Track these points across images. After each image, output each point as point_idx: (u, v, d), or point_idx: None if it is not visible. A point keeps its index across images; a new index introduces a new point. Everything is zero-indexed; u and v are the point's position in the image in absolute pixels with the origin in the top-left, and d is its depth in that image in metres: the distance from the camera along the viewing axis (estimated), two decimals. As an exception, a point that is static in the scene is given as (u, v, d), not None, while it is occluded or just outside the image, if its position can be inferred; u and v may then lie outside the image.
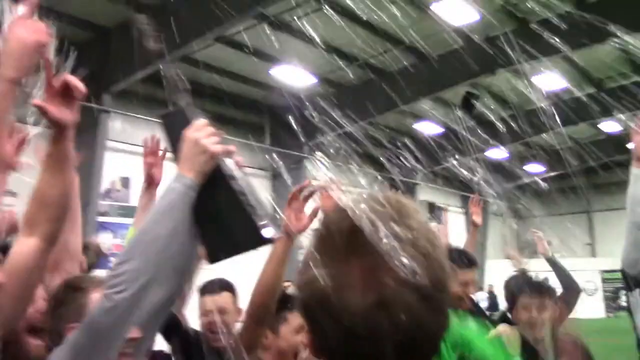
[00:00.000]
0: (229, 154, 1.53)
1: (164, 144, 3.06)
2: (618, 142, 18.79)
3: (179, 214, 1.42)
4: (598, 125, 18.38)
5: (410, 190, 19.43)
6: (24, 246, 1.67)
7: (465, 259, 3.44)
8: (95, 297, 1.71)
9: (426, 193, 20.49)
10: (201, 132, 1.50)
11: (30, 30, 1.49)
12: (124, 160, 12.15)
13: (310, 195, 2.60)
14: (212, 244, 1.48)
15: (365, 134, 16.24)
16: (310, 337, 0.89)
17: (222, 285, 3.17)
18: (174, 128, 1.58)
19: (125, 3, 9.98)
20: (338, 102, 13.82)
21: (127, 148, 12.24)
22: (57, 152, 1.71)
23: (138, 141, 11.67)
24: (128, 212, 11.81)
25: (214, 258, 1.49)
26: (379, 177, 19.29)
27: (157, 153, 3.04)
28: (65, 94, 1.68)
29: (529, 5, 11.10)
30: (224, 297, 3.13)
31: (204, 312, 3.09)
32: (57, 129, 1.68)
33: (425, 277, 0.83)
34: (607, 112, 16.86)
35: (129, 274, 1.36)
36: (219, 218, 1.49)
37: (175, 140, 1.57)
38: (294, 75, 12.99)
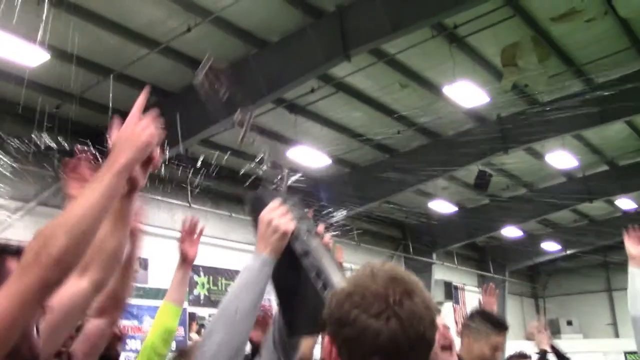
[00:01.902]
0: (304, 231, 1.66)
1: (200, 225, 3.27)
2: (635, 219, 18.72)
3: (257, 288, 1.57)
4: (614, 202, 18.36)
5: (426, 269, 19.30)
6: (74, 286, 1.77)
7: (497, 323, 3.52)
8: None
9: (442, 272, 20.32)
10: (274, 212, 1.65)
11: (143, 129, 1.67)
12: (143, 242, 12.25)
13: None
14: (291, 319, 1.58)
15: (380, 213, 16.37)
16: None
17: None
18: (258, 209, 1.72)
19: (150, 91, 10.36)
20: (352, 182, 14.04)
21: (146, 230, 12.37)
22: (123, 207, 1.86)
23: (157, 223, 11.86)
24: (146, 293, 11.83)
25: (293, 332, 1.58)
26: (395, 256, 19.26)
27: (193, 233, 3.21)
28: (146, 161, 1.83)
29: (539, 88, 11.39)
30: None
31: None
32: (129, 187, 1.83)
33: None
34: (622, 189, 16.94)
35: (216, 345, 1.50)
36: (295, 294, 1.60)
37: (255, 220, 1.72)
38: (309, 156, 13.24)
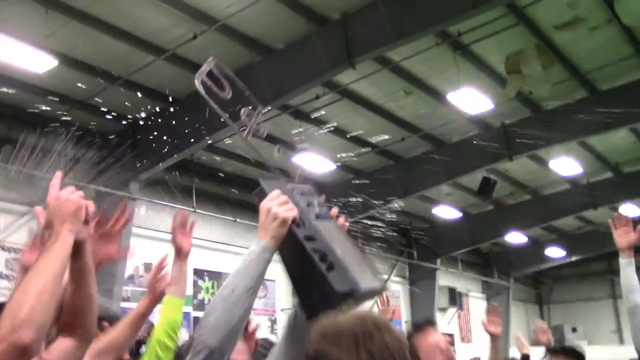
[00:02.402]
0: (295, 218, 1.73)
1: (191, 218, 3.38)
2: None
3: (255, 272, 1.67)
4: (619, 209, 18.34)
5: (430, 275, 19.31)
6: (61, 345, 1.90)
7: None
8: None
9: (446, 278, 20.32)
10: (274, 201, 1.73)
11: (67, 198, 1.78)
12: (148, 246, 12.34)
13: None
14: (306, 302, 1.66)
15: (384, 219, 16.39)
16: None
17: None
18: (261, 199, 1.82)
19: (152, 98, 10.48)
20: (356, 188, 14.08)
21: (151, 234, 12.46)
22: (77, 266, 1.94)
23: (162, 228, 11.93)
24: (150, 297, 11.92)
25: (309, 315, 1.65)
26: (399, 261, 19.28)
27: (185, 227, 3.31)
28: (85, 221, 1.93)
29: (543, 95, 11.43)
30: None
31: None
32: (75, 246, 1.87)
33: None
34: (627, 196, 16.93)
35: (212, 324, 1.59)
36: (305, 279, 1.68)
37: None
38: (313, 162, 13.31)
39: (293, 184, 1.93)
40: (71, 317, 1.97)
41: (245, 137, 2.07)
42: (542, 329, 5.17)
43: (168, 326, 3.22)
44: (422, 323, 3.00)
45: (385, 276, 18.06)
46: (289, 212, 1.73)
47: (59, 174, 1.86)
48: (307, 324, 1.68)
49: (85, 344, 2.02)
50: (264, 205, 1.76)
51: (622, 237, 3.51)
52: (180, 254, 3.34)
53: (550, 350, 3.91)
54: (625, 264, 3.46)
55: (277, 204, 1.74)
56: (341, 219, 1.85)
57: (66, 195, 1.78)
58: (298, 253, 1.72)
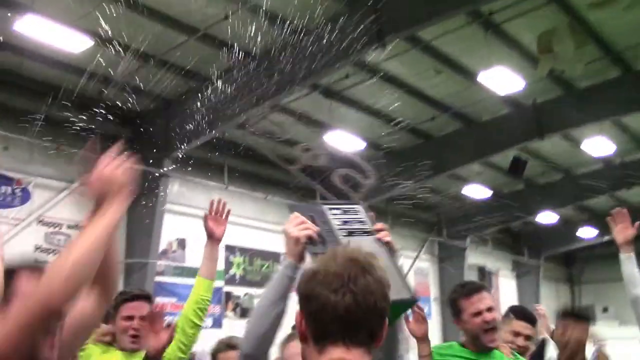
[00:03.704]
0: (309, 238, 1.91)
1: (227, 207, 3.50)
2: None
3: (278, 287, 1.86)
4: (652, 189, 18.08)
5: (459, 253, 19.34)
6: (82, 302, 1.96)
7: (522, 314, 3.75)
8: None
9: (476, 256, 20.33)
10: (290, 223, 1.93)
11: (118, 168, 1.94)
12: (181, 222, 12.63)
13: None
14: None
15: (414, 197, 16.44)
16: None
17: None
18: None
19: (186, 76, 10.65)
20: (387, 167, 14.14)
21: (184, 210, 12.73)
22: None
23: (195, 203, 12.21)
24: (183, 272, 12.20)
25: None
26: (428, 240, 19.33)
27: (220, 214, 3.47)
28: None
29: (576, 73, 11.30)
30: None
31: None
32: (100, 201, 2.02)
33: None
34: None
35: (246, 332, 1.84)
36: None
37: None
38: (344, 141, 13.39)
39: (335, 204, 2.07)
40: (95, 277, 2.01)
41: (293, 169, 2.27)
42: (539, 313, 5.20)
43: (196, 305, 3.38)
44: (470, 288, 3.14)
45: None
46: (303, 231, 1.91)
47: (114, 149, 2.00)
48: None
49: (103, 302, 2.11)
50: (284, 227, 1.97)
51: (621, 233, 3.61)
52: (212, 239, 3.47)
53: (560, 315, 4.00)
54: (625, 258, 3.57)
55: (292, 225, 1.93)
56: (382, 234, 1.98)
57: (116, 168, 1.90)
58: None
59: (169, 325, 3.06)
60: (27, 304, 1.59)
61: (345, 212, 2.03)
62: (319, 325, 1.40)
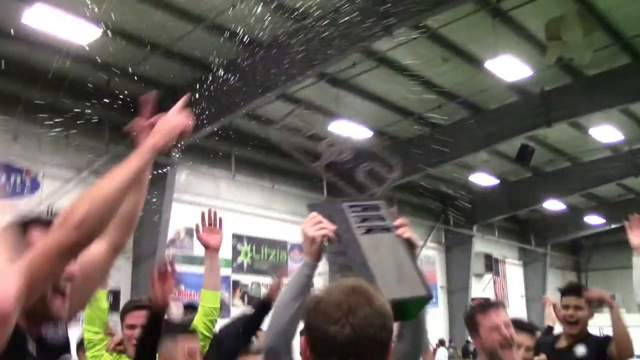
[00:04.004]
0: (325, 236, 1.92)
1: (219, 214, 3.48)
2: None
3: (297, 285, 1.90)
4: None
5: (466, 241, 19.37)
6: (94, 249, 1.86)
7: (520, 326, 3.84)
8: None
9: (482, 244, 20.35)
10: (307, 222, 1.94)
11: (180, 117, 1.93)
12: (189, 211, 12.68)
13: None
14: None
15: (421, 185, 16.45)
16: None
17: (260, 349, 3.54)
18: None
19: (192, 65, 10.66)
20: (393, 155, 14.13)
21: (192, 199, 12.79)
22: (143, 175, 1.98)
23: (202, 192, 12.26)
24: (191, 260, 12.26)
25: None
26: (435, 227, 19.36)
27: (212, 224, 3.46)
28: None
29: (584, 61, 11.23)
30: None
31: None
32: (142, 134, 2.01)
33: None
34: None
35: (267, 327, 1.91)
36: None
37: None
38: (350, 129, 13.39)
39: (355, 202, 2.06)
40: (113, 223, 1.89)
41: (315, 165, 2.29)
42: (549, 301, 5.26)
43: (205, 317, 3.42)
44: (488, 304, 3.17)
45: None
46: (319, 231, 1.92)
47: (185, 98, 1.98)
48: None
49: (115, 253, 2.05)
50: (302, 226, 1.97)
51: (637, 237, 3.70)
52: (209, 250, 3.47)
53: (561, 292, 4.14)
54: (638, 262, 3.77)
55: (309, 225, 1.94)
56: (401, 230, 2.00)
57: (184, 116, 1.91)
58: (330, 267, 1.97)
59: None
60: (46, 242, 1.57)
61: (365, 209, 2.04)
62: (319, 354, 1.45)
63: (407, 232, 1.99)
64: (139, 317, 3.20)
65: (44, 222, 1.77)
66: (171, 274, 3.04)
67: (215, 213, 3.50)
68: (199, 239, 3.45)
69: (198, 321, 3.41)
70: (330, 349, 1.41)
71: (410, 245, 1.98)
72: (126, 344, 3.27)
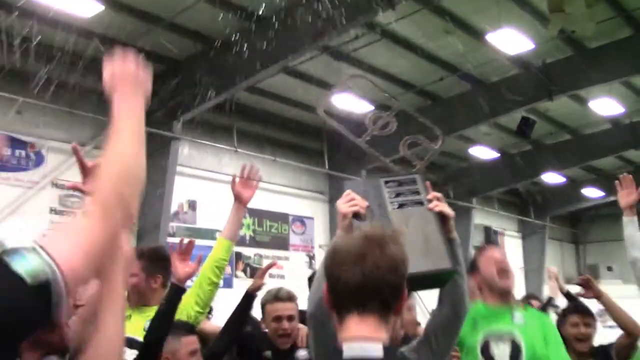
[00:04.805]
0: (356, 213, 2.03)
1: (259, 173, 3.58)
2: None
3: None
4: (659, 149, 18.10)
5: (465, 213, 19.48)
6: None
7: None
8: None
9: (482, 217, 20.48)
10: (342, 199, 2.06)
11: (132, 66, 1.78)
12: (192, 184, 12.78)
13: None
14: None
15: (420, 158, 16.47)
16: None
17: (291, 296, 3.62)
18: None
19: (193, 39, 10.64)
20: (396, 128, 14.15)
21: (194, 172, 12.87)
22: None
23: (204, 166, 12.34)
24: (194, 233, 12.37)
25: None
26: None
27: (251, 178, 3.59)
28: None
29: (586, 33, 11.21)
30: (292, 306, 3.57)
31: (275, 318, 3.53)
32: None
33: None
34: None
35: (310, 296, 2.05)
36: None
37: None
38: (352, 103, 13.40)
39: (392, 177, 2.17)
40: None
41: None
42: (552, 274, 5.38)
43: (215, 263, 3.49)
44: (485, 246, 3.42)
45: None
46: (350, 207, 2.03)
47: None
48: None
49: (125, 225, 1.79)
50: (337, 203, 2.09)
51: (625, 198, 3.84)
52: (239, 202, 3.57)
53: (564, 311, 4.27)
54: (627, 222, 3.82)
55: (343, 202, 2.06)
56: (432, 204, 2.09)
57: (131, 61, 1.76)
58: None
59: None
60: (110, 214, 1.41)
61: (400, 184, 2.13)
62: (336, 298, 1.58)
63: (439, 206, 2.07)
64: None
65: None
66: (189, 251, 3.23)
67: (257, 169, 3.63)
68: (233, 189, 3.53)
69: (207, 267, 3.48)
70: (343, 292, 1.54)
71: (442, 218, 2.06)
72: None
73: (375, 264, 1.52)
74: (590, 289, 4.11)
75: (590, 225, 25.83)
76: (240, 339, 3.63)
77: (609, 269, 24.55)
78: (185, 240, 3.36)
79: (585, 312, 4.11)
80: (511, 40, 11.00)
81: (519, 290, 4.93)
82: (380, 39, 11.31)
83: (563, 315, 4.21)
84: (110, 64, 1.73)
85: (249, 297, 3.67)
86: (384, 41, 11.42)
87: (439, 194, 2.11)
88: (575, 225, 26.30)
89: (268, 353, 3.53)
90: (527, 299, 4.53)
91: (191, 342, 3.11)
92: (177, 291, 3.09)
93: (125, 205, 1.47)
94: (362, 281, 1.51)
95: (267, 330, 3.67)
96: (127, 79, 1.71)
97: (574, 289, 4.66)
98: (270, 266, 3.94)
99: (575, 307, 4.29)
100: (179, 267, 3.17)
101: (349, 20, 9.82)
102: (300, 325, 3.57)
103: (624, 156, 18.73)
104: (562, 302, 5.06)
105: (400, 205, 2.07)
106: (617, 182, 3.91)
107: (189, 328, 3.20)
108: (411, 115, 2.54)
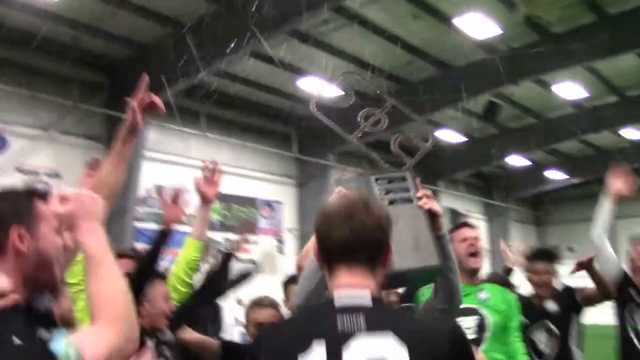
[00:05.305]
0: None
1: (218, 169, 3.56)
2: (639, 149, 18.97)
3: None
4: (620, 133, 18.54)
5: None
6: None
7: (496, 280, 4.35)
8: None
9: (448, 199, 20.75)
10: (332, 197, 2.13)
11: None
12: (159, 169, 12.66)
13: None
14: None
15: (387, 141, 16.58)
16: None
17: (272, 303, 3.64)
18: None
19: (162, 23, 10.50)
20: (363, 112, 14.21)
21: (162, 157, 12.75)
22: (123, 150, 2.29)
23: (172, 151, 12.23)
24: (161, 218, 12.29)
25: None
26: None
27: (213, 176, 3.54)
28: (148, 108, 2.29)
29: (551, 19, 11.39)
30: (272, 312, 3.59)
31: (256, 324, 3.56)
32: (129, 131, 2.27)
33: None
34: (629, 120, 17.10)
35: (299, 289, 2.19)
36: None
37: None
38: (320, 87, 13.41)
39: (382, 175, 2.24)
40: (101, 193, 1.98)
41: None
42: (516, 249, 5.46)
43: (187, 265, 3.49)
44: (458, 224, 3.48)
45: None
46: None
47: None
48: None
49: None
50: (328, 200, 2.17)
51: (615, 183, 4.03)
52: (204, 202, 3.53)
53: (528, 258, 4.40)
54: (605, 206, 4.06)
55: (332, 199, 2.09)
56: (422, 201, 2.15)
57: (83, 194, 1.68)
58: None
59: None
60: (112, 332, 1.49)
61: (391, 181, 2.17)
62: (326, 253, 1.70)
63: (428, 204, 2.12)
64: (122, 265, 3.28)
65: (41, 193, 1.77)
66: (179, 199, 3.41)
67: (216, 165, 3.59)
68: (198, 189, 3.50)
69: (179, 269, 3.48)
70: (332, 247, 1.67)
71: (432, 215, 2.11)
72: None
73: (362, 221, 1.64)
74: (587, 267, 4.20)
75: (552, 208, 26.42)
76: (229, 349, 3.59)
77: (570, 249, 25.16)
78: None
79: (547, 259, 4.27)
80: (478, 25, 11.11)
81: (484, 271, 5.01)
82: (349, 24, 11.31)
83: (528, 261, 4.35)
84: (59, 201, 1.64)
85: (228, 256, 3.91)
86: (352, 25, 11.41)
87: (428, 192, 2.17)
88: (538, 208, 26.86)
89: None
90: (491, 278, 4.60)
91: (165, 287, 3.18)
92: (163, 234, 3.27)
93: (130, 322, 1.55)
94: (350, 237, 1.64)
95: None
96: (84, 214, 1.63)
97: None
98: (244, 241, 4.09)
99: (539, 253, 4.42)
100: (168, 211, 3.36)
101: (317, 4, 9.80)
102: None
103: (585, 139, 19.13)
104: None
105: (390, 202, 2.13)
106: (613, 169, 4.07)
107: (161, 275, 3.26)
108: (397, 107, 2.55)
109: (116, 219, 11.44)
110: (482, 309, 3.33)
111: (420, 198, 2.16)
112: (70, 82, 10.78)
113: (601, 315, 5.04)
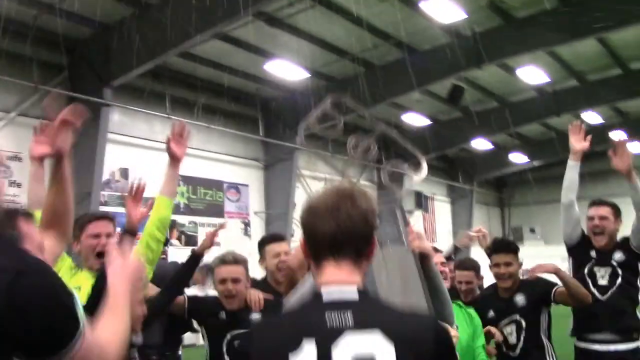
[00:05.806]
0: None
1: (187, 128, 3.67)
2: (600, 132, 19.38)
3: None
4: (581, 116, 18.91)
5: (397, 179, 19.83)
6: (48, 245, 2.17)
7: (462, 265, 4.53)
8: None
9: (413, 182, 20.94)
10: None
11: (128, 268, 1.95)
12: (123, 151, 12.52)
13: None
14: None
15: (354, 124, 16.64)
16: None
17: (237, 259, 3.70)
18: None
19: (125, 2, 10.33)
20: (329, 95, 14.21)
21: (126, 140, 12.61)
22: (59, 173, 2.37)
23: (136, 134, 12.06)
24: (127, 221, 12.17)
25: None
26: (367, 166, 19.74)
27: (181, 136, 3.64)
28: (63, 125, 2.33)
29: (515, 4, 11.53)
30: (237, 268, 3.66)
31: (221, 280, 3.64)
32: (57, 157, 2.34)
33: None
34: (589, 104, 17.48)
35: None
36: None
37: None
38: (286, 69, 13.38)
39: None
40: (51, 218, 2.35)
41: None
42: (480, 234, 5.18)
43: (159, 222, 3.54)
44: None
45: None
46: None
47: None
48: None
49: (62, 241, 2.43)
50: None
51: (577, 143, 4.09)
52: (174, 160, 3.64)
53: (489, 250, 4.23)
54: (572, 165, 4.09)
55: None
56: (414, 244, 2.16)
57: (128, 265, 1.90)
58: None
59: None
60: None
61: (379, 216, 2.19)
62: (313, 246, 1.70)
63: (418, 246, 2.13)
64: (102, 226, 3.34)
65: (25, 213, 1.90)
66: (141, 194, 3.48)
67: (184, 126, 3.73)
68: (168, 148, 3.59)
69: (151, 226, 3.52)
70: (319, 240, 1.67)
71: (422, 257, 2.12)
72: (87, 255, 3.31)
73: (348, 215, 1.64)
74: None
75: (514, 190, 26.91)
76: (194, 303, 3.75)
77: (532, 230, 25.75)
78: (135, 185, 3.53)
79: (507, 251, 4.10)
80: (443, 9, 11.19)
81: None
82: (314, 6, 11.28)
83: (488, 256, 4.22)
84: (117, 262, 1.87)
85: (195, 258, 3.77)
86: (318, 8, 11.39)
87: (419, 232, 2.17)
88: (501, 190, 27.33)
89: (222, 314, 3.62)
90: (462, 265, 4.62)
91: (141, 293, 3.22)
92: (131, 234, 3.37)
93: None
94: (337, 230, 1.63)
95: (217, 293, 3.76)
96: (129, 277, 1.87)
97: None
98: (219, 228, 4.08)
99: (499, 245, 4.24)
100: (132, 212, 3.42)
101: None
102: (253, 291, 3.65)
103: (547, 123, 19.49)
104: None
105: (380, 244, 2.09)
106: (570, 127, 4.15)
107: None
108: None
109: (80, 203, 11.31)
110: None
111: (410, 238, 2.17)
112: (30, 63, 10.56)
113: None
